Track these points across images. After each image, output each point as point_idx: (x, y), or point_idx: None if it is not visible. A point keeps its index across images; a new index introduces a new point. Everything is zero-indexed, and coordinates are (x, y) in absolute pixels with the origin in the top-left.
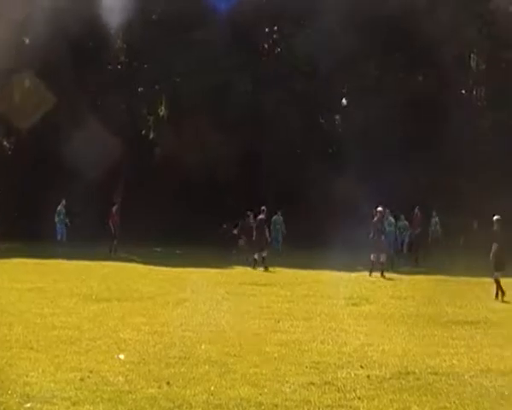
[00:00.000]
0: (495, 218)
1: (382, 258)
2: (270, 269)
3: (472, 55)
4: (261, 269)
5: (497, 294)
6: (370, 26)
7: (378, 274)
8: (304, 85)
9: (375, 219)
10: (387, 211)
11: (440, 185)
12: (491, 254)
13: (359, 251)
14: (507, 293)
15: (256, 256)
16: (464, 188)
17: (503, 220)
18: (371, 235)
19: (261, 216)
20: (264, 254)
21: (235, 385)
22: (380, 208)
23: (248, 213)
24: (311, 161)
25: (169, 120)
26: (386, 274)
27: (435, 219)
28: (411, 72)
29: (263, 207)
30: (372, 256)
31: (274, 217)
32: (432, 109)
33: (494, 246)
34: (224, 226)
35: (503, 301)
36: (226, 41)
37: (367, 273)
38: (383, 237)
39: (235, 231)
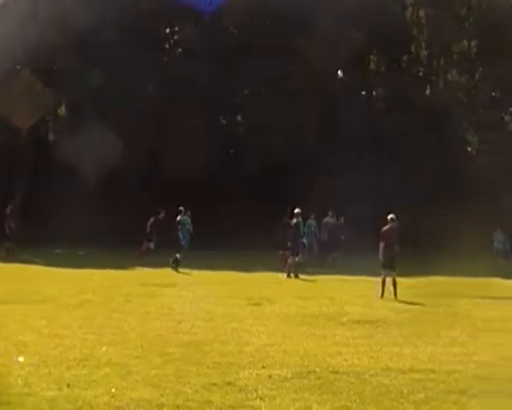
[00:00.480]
0: (389, 217)
1: (298, 259)
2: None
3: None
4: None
5: (382, 293)
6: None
7: (292, 275)
8: (206, 86)
9: (294, 220)
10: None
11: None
12: (380, 254)
13: (263, 252)
14: (409, 292)
15: (178, 256)
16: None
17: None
18: (289, 236)
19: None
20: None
21: (137, 387)
22: (297, 210)
23: (160, 211)
24: (213, 162)
25: (68, 122)
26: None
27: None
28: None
29: (180, 208)
30: (290, 259)
31: (182, 217)
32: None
33: (381, 245)
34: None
35: (391, 301)
36: (127, 41)
37: (269, 273)
38: (301, 239)
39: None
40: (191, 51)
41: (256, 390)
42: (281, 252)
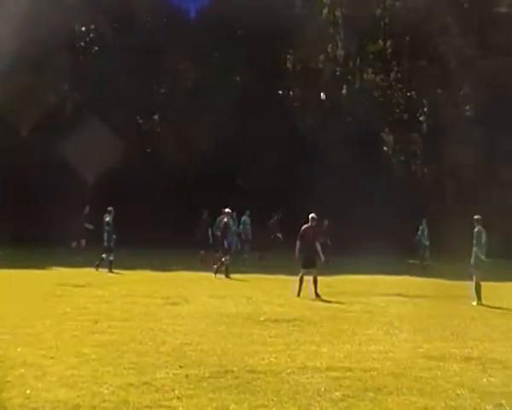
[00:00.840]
0: (310, 216)
1: (225, 259)
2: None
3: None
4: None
5: (299, 292)
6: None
7: (220, 275)
8: (125, 85)
9: (225, 219)
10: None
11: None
12: (296, 253)
13: (181, 251)
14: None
15: (104, 256)
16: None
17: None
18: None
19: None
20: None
21: (52, 388)
22: (227, 209)
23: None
24: (130, 161)
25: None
26: (217, 275)
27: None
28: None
29: (109, 208)
30: (224, 258)
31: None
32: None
33: (297, 244)
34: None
35: (315, 299)
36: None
37: (187, 273)
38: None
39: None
40: (107, 49)
41: (173, 390)
42: (202, 252)
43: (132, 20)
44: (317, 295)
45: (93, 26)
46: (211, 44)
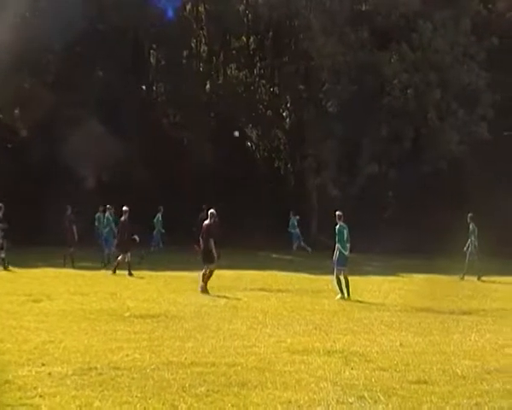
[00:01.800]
0: (210, 211)
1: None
2: None
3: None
4: None
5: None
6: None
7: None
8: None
9: (122, 218)
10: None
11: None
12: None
13: (47, 248)
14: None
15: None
16: None
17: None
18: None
19: None
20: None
21: None
22: (125, 207)
23: None
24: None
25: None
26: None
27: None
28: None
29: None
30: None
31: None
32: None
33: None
34: None
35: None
36: None
37: (49, 269)
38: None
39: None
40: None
41: (36, 388)
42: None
43: None
44: (205, 289)
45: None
46: (73, 39)
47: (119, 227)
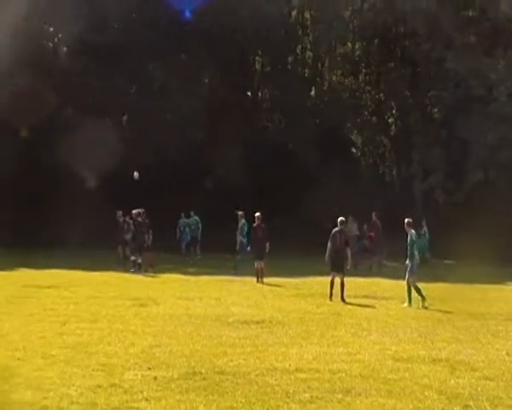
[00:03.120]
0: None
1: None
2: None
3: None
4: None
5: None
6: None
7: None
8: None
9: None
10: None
11: None
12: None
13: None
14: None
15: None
16: None
17: None
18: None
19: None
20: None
21: (19, 389)
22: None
23: None
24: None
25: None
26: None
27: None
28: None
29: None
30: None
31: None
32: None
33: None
34: None
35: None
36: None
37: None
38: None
39: None
40: (75, 49)
41: (141, 392)
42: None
43: (102, 21)
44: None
45: (61, 26)
46: (178, 46)
47: (252, 233)
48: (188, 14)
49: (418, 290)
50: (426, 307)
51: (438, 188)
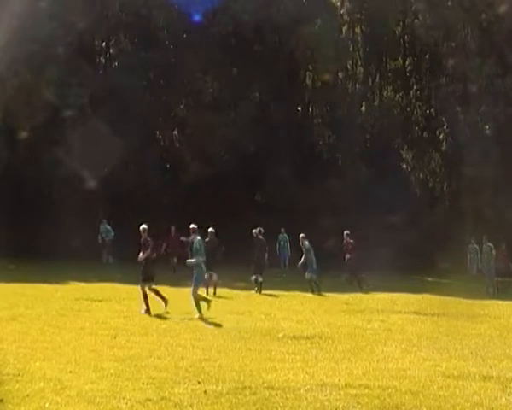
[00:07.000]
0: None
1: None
2: (107, 285)
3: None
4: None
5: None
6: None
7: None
8: (141, 100)
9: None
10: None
11: None
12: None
13: None
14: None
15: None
16: None
17: None
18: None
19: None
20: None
21: (71, 402)
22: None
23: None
24: (149, 175)
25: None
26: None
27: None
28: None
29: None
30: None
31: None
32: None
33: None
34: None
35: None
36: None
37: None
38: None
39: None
40: (127, 65)
41: (191, 406)
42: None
43: (151, 36)
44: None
45: (113, 42)
46: (229, 60)
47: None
48: (197, 17)
49: None
50: None
51: (487, 206)
